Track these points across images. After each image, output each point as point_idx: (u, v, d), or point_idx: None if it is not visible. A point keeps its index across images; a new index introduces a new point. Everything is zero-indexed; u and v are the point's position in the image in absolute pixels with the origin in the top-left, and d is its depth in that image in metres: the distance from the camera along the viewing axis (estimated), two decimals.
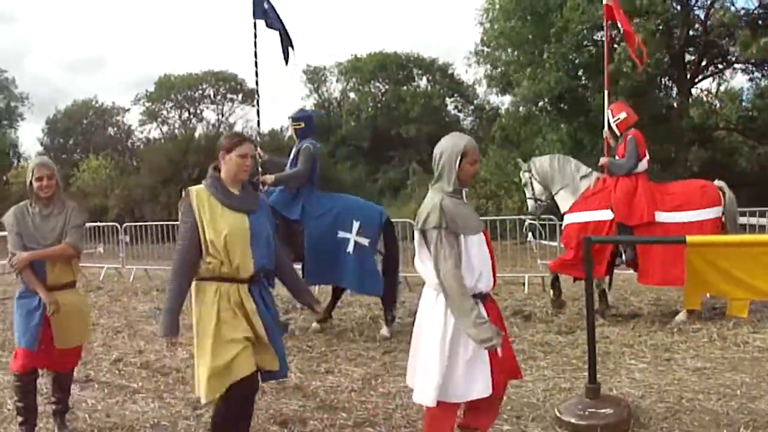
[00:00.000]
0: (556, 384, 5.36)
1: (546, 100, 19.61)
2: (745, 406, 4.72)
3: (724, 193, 7.47)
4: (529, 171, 8.19)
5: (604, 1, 8.65)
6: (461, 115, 39.88)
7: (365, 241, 7.24)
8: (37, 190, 4.42)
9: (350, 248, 7.17)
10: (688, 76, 21.31)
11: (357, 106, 37.49)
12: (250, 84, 42.95)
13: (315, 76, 41.05)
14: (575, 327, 7.18)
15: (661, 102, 20.78)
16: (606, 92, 8.68)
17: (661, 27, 18.52)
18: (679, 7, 19.64)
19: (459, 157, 3.44)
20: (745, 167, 22.31)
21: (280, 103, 62.68)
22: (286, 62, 8.27)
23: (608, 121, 7.92)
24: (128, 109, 44.37)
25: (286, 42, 8.22)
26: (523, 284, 10.17)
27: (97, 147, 38.59)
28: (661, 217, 7.27)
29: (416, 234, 3.50)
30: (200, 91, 44.50)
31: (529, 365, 5.85)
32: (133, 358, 6.47)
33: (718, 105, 24.33)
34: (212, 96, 44.62)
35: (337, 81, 40.79)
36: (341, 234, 7.20)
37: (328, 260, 7.20)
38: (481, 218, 3.76)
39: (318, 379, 5.71)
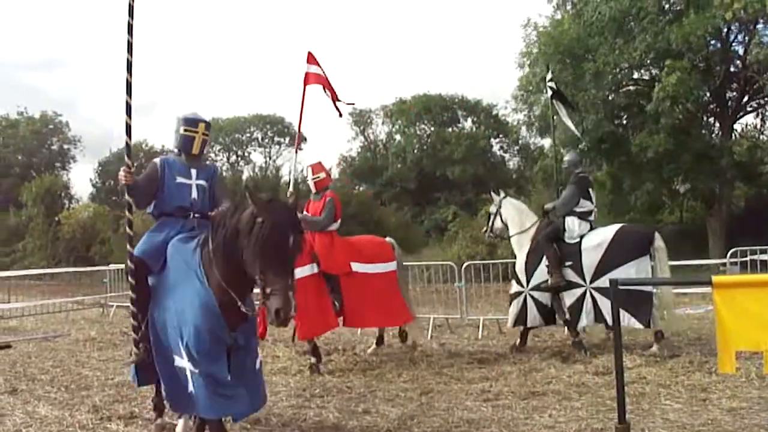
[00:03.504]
0: (588, 424, 5.42)
1: (586, 140, 19.64)
2: None
3: (394, 249, 8.68)
4: None
5: (307, 69, 8.72)
6: (506, 156, 40.05)
7: None
8: None
9: None
10: (730, 113, 21.18)
11: (403, 148, 38.01)
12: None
13: (361, 119, 41.80)
14: (613, 368, 7.21)
15: (703, 139, 20.64)
16: (296, 152, 9.51)
17: (700, 64, 18.53)
18: (718, 44, 19.64)
19: None
20: None
21: (327, 147, 64.18)
22: None
23: (305, 178, 8.91)
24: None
25: None
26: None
27: None
28: (356, 267, 8.08)
29: None
30: (248, 134, 45.61)
31: (564, 406, 5.91)
32: None
33: (765, 139, 24.02)
34: (260, 139, 45.68)
35: (382, 123, 41.52)
36: None
37: None
38: None
39: (355, 419, 5.84)
